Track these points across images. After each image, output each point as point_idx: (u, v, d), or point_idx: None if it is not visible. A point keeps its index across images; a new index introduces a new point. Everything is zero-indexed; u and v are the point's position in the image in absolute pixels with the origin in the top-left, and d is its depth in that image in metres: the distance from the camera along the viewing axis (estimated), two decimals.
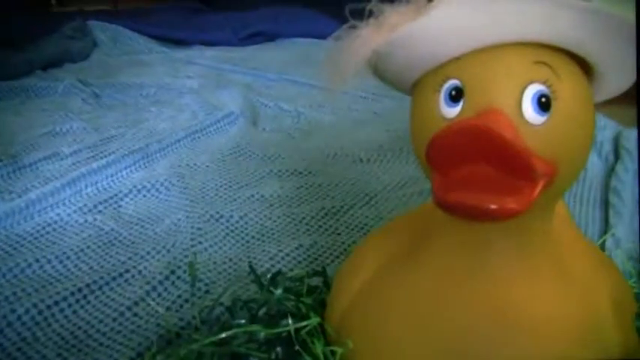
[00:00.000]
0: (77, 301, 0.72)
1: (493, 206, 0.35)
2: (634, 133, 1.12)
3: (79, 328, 0.68)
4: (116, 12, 2.72)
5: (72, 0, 2.90)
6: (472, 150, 0.36)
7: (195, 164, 1.11)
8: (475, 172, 0.37)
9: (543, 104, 0.38)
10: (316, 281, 0.69)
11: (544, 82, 0.38)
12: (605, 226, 0.87)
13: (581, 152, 0.41)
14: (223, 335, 0.54)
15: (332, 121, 1.37)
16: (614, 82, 0.42)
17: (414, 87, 0.45)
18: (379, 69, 0.47)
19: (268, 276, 0.65)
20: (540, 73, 0.38)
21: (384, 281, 0.50)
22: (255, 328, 0.54)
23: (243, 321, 0.57)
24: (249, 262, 0.70)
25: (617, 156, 1.07)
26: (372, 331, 0.48)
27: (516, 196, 0.36)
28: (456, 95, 0.40)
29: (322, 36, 2.13)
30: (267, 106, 1.47)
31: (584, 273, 0.47)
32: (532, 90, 0.38)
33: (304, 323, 0.56)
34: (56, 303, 0.71)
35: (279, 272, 0.64)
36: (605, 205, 0.93)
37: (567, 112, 0.39)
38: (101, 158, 1.10)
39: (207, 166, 1.10)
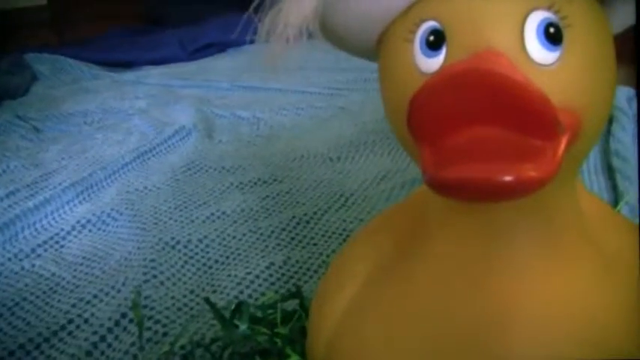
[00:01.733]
0: None
1: (508, 177, 0.24)
2: (624, 90, 1.02)
3: None
4: (61, 45, 2.60)
5: (12, 38, 2.78)
6: (469, 105, 0.26)
7: (145, 188, 0.99)
8: (477, 136, 0.26)
9: (552, 36, 0.27)
10: (293, 305, 0.58)
11: (549, 8, 0.28)
12: (616, 194, 0.77)
13: (607, 95, 0.30)
14: None
15: (294, 122, 1.26)
16: (621, 12, 0.32)
17: (380, 45, 0.34)
18: (329, 25, 0.35)
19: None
20: None
21: (375, 295, 0.39)
22: None
23: None
24: (206, 296, 0.57)
25: (610, 117, 0.97)
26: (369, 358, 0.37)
27: (537, 160, 0.25)
28: (435, 40, 0.29)
29: None
30: (223, 116, 1.36)
31: (622, 252, 0.36)
32: (535, 19, 0.27)
33: None
34: None
35: (241, 303, 0.52)
36: (609, 170, 0.83)
37: (584, 43, 0.28)
38: (40, 195, 0.98)
39: (159, 188, 0.98)
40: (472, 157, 0.26)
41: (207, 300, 0.53)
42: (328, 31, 0.36)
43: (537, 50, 0.27)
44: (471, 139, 0.26)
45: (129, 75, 1.91)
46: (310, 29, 0.34)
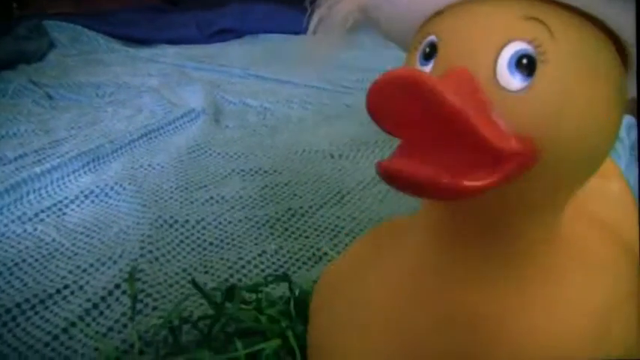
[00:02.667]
0: (4, 324, 0.63)
1: (444, 180, 0.27)
2: (625, 119, 1.04)
3: (5, 356, 0.58)
4: (78, 14, 2.62)
5: (33, 3, 2.79)
6: (409, 110, 0.28)
7: (149, 165, 1.01)
8: (429, 137, 0.28)
9: (524, 66, 0.29)
10: (281, 290, 0.61)
11: (530, 41, 0.30)
12: None
13: (583, 134, 0.31)
14: None
15: (301, 115, 1.28)
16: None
17: None
18: (374, 21, 0.38)
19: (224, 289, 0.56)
20: (527, 30, 0.30)
21: (351, 282, 0.41)
22: (200, 355, 0.45)
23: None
24: (192, 278, 0.60)
25: None
26: (325, 341, 0.41)
27: (475, 172, 0.27)
28: (429, 52, 0.32)
29: (291, 31, 2.04)
30: (232, 102, 1.38)
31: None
32: (511, 49, 0.30)
33: (261, 346, 0.47)
34: None
35: (234, 286, 0.55)
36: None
37: (559, 80, 0.29)
38: (47, 162, 1.00)
39: (163, 167, 1.00)
40: (420, 154, 0.28)
41: (193, 281, 0.56)
42: (374, 25, 0.38)
43: (505, 76, 0.29)
44: (424, 138, 0.29)
45: (144, 52, 1.93)
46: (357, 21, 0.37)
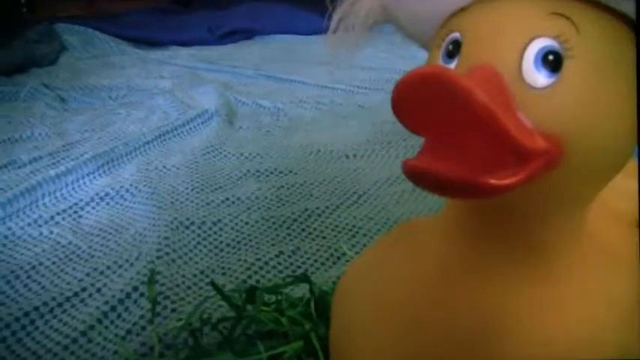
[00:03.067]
0: (23, 327, 0.62)
1: (470, 179, 0.26)
2: None
3: (23, 359, 0.58)
4: (88, 17, 2.62)
5: (43, 7, 2.80)
6: (435, 105, 0.27)
7: (164, 167, 1.01)
8: (455, 135, 0.28)
9: (550, 63, 0.29)
10: (300, 291, 0.60)
11: (556, 37, 0.29)
12: None
13: (607, 132, 0.30)
14: None
15: (314, 116, 1.28)
16: None
17: None
18: (394, 20, 0.37)
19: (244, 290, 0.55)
20: (552, 26, 0.29)
21: (369, 277, 0.41)
22: (223, 357, 0.45)
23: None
24: (211, 280, 0.59)
25: None
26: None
27: (501, 170, 0.27)
28: (452, 50, 0.31)
29: (302, 32, 2.04)
30: (245, 103, 1.38)
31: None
32: (537, 45, 0.29)
33: (283, 348, 0.46)
34: None
35: (255, 287, 0.54)
36: None
37: (584, 76, 0.29)
38: (62, 165, 1.00)
39: (178, 169, 1.00)
40: (443, 152, 0.28)
41: (213, 284, 0.55)
42: (394, 23, 0.38)
43: (531, 73, 0.29)
44: (448, 138, 0.28)
45: (155, 54, 1.93)
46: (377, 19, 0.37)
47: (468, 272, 0.35)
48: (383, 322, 0.38)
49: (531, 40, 0.29)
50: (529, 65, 0.29)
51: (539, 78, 0.29)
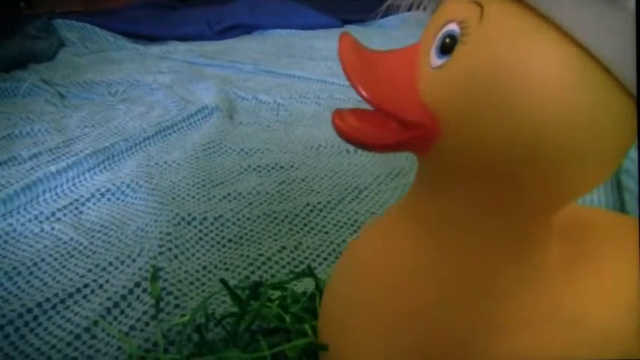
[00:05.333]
0: (26, 323, 0.62)
1: (358, 138, 0.32)
2: None
3: (26, 356, 0.58)
4: (87, 12, 2.62)
5: (41, 2, 2.80)
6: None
7: (165, 163, 1.01)
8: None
9: (445, 45, 0.31)
10: (304, 287, 0.60)
11: (460, 23, 0.31)
12: (622, 211, 0.78)
13: (486, 126, 0.30)
14: None
15: (314, 111, 1.28)
16: None
17: None
18: None
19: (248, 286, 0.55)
20: (463, 12, 0.31)
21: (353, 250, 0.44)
22: (230, 354, 0.45)
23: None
24: (221, 277, 0.59)
25: None
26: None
27: (384, 134, 0.32)
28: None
29: (301, 27, 2.04)
30: (245, 98, 1.37)
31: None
32: (445, 29, 0.32)
33: (286, 346, 0.46)
34: (0, 327, 0.61)
35: (259, 283, 0.54)
36: (619, 187, 0.84)
37: (470, 63, 0.30)
38: (62, 161, 1.00)
39: (179, 164, 1.00)
40: (359, 116, 0.33)
41: (222, 281, 0.55)
42: None
43: (432, 54, 0.32)
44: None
45: (154, 49, 1.93)
46: None
47: (431, 249, 0.36)
48: (365, 315, 0.39)
49: (446, 23, 0.32)
50: (433, 47, 0.32)
51: (435, 59, 0.32)
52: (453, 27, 0.31)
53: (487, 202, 0.33)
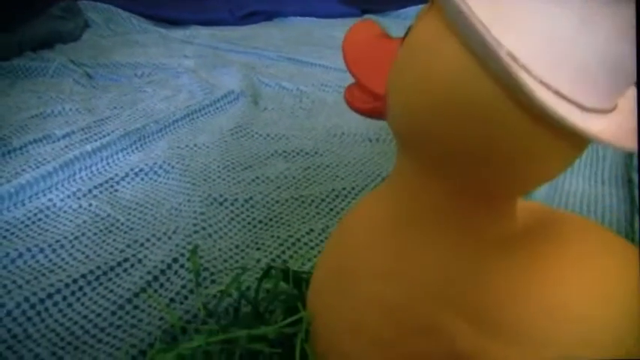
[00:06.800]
0: (72, 293, 0.66)
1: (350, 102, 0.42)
2: None
3: (75, 323, 0.62)
4: None
5: None
6: None
7: (195, 145, 1.05)
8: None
9: (406, 33, 0.37)
10: None
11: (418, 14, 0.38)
12: (632, 206, 0.81)
13: (413, 108, 0.35)
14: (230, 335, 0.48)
15: (335, 99, 1.31)
16: None
17: None
18: None
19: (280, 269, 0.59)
20: (426, 5, 0.37)
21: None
22: (263, 330, 0.48)
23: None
24: (268, 264, 0.63)
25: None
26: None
27: (362, 102, 0.41)
28: None
29: (321, 15, 2.06)
30: (268, 85, 1.41)
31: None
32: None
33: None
34: (49, 296, 0.65)
35: (270, 267, 0.57)
36: (630, 183, 0.87)
37: (405, 47, 0.36)
38: (95, 140, 1.04)
39: (208, 147, 1.04)
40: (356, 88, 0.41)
41: (271, 267, 0.57)
42: None
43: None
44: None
45: (177, 33, 1.96)
46: None
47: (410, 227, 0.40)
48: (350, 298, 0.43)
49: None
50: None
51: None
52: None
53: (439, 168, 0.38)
